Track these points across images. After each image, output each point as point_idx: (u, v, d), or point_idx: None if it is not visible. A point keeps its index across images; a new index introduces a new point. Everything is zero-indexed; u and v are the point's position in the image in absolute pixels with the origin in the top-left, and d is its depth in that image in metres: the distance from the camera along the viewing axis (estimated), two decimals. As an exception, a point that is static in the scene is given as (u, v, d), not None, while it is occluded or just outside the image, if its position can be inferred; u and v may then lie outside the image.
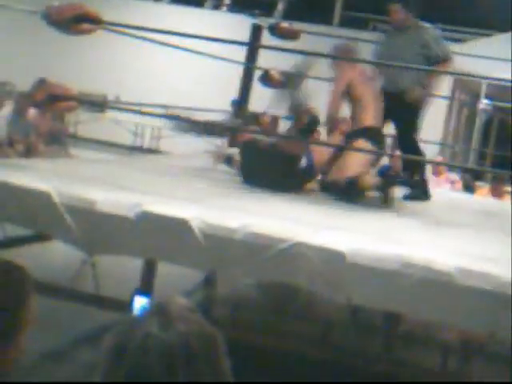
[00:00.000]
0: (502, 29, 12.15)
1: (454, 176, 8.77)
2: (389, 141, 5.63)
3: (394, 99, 4.86)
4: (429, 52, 4.91)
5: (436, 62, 4.91)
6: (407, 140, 5.04)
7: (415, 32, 4.97)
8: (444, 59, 4.94)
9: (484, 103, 12.80)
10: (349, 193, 4.32)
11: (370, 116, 4.68)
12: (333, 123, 4.82)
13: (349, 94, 4.70)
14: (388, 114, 4.93)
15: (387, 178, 4.48)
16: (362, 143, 4.52)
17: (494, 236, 3.79)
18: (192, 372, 1.08)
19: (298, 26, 7.68)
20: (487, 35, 12.91)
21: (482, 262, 2.78)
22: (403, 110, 4.92)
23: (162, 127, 11.70)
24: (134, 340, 1.09)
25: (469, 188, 8.43)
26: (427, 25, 5.09)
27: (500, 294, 2.56)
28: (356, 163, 4.49)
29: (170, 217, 2.90)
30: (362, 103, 4.67)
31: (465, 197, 7.03)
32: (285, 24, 5.82)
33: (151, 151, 12.29)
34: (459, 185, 8.53)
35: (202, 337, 1.11)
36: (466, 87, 12.81)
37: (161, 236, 2.91)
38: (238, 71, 6.47)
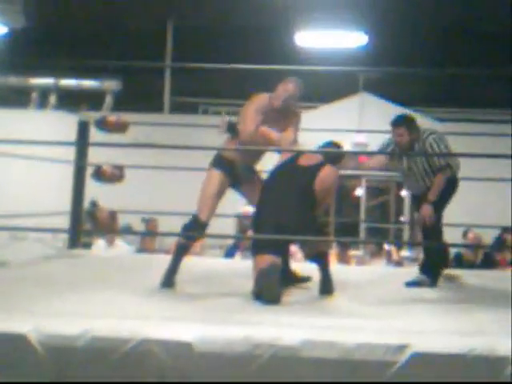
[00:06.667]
0: (325, 101, 12.76)
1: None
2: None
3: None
4: None
5: None
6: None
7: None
8: None
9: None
10: None
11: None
12: None
13: None
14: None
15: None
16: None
17: (339, 304, 3.86)
18: None
19: (128, 116, 7.66)
20: (313, 107, 13.55)
21: (327, 331, 2.84)
22: None
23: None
24: None
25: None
26: None
27: (346, 361, 2.62)
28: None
29: (6, 332, 2.77)
30: None
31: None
32: (112, 117, 5.77)
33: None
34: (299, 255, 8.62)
35: None
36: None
37: (-1, 354, 2.76)
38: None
